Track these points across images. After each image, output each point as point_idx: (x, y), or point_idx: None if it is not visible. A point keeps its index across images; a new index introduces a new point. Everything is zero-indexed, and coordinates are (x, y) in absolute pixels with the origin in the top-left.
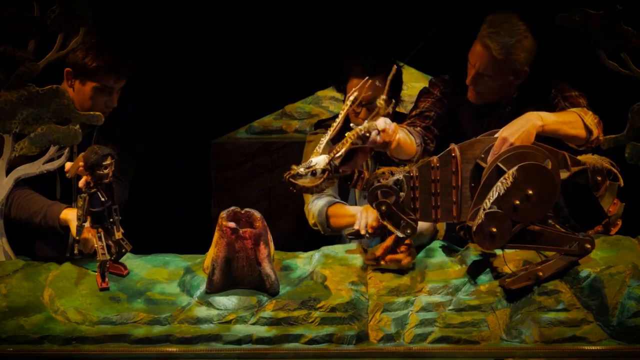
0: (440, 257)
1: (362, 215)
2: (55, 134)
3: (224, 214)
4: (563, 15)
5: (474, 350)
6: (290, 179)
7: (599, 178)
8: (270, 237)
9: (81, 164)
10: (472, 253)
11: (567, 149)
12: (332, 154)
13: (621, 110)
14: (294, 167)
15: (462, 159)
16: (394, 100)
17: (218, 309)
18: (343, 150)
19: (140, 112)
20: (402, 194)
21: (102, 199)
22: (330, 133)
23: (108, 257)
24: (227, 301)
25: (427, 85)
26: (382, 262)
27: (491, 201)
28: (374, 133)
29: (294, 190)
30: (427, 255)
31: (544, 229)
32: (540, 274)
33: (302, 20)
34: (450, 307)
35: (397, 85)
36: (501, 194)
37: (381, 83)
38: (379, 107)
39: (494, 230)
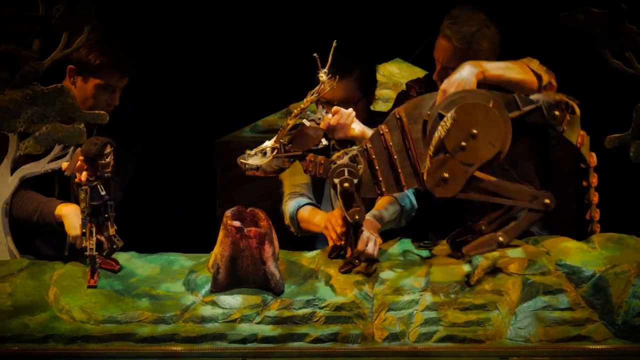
0: (444, 256)
1: (329, 229)
2: (60, 132)
3: (228, 213)
4: (567, 15)
5: (479, 349)
6: (241, 160)
7: (557, 112)
8: (275, 236)
9: (81, 158)
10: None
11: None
12: (280, 131)
13: (626, 109)
14: (247, 151)
15: (408, 120)
16: (337, 77)
17: (223, 308)
18: (292, 125)
19: (140, 112)
20: (359, 166)
21: (102, 193)
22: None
23: (96, 253)
24: (232, 300)
25: (404, 89)
26: (356, 262)
27: (434, 146)
28: (327, 116)
29: (247, 172)
30: (432, 254)
31: (500, 180)
32: (501, 239)
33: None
34: (455, 306)
35: (370, 83)
36: (442, 137)
37: (352, 84)
38: (322, 82)
39: (446, 175)
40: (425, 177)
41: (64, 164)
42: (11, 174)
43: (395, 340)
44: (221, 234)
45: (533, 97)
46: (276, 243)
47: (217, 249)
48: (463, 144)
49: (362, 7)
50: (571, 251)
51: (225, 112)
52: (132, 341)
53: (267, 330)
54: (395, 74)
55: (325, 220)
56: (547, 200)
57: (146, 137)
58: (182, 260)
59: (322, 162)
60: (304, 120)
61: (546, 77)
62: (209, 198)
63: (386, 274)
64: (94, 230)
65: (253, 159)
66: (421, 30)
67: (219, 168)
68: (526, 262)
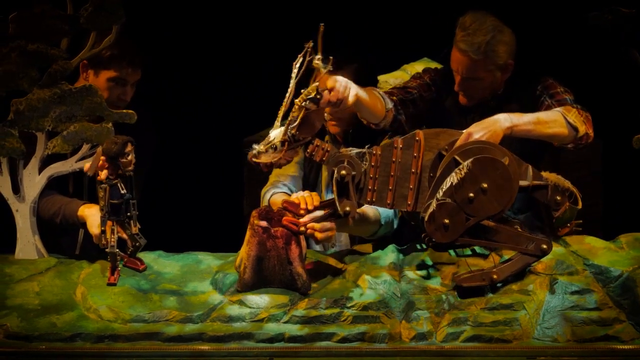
0: (472, 256)
1: (299, 200)
2: (88, 131)
3: (255, 212)
4: (595, 14)
5: (506, 349)
6: (253, 159)
7: (559, 198)
8: (302, 236)
9: (102, 157)
10: (504, 254)
11: (556, 149)
12: (287, 124)
13: None
14: (254, 146)
15: (425, 145)
16: (331, 58)
17: (250, 308)
18: (297, 116)
19: (154, 117)
20: (363, 163)
21: (122, 191)
22: (283, 106)
23: (117, 250)
24: (259, 299)
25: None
26: (302, 228)
27: (444, 191)
28: (325, 93)
29: (264, 169)
30: (459, 254)
31: (499, 226)
32: (495, 276)
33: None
34: (483, 306)
35: (366, 80)
36: (454, 184)
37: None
38: (317, 68)
39: (447, 221)
40: (426, 219)
41: (86, 165)
42: (39, 173)
43: (422, 340)
44: (248, 233)
45: (546, 175)
46: (303, 243)
47: (243, 248)
48: (471, 195)
49: (390, 7)
50: (599, 251)
51: (253, 111)
52: (160, 340)
53: (294, 329)
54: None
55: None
56: (544, 246)
57: (157, 142)
58: (209, 260)
59: (328, 149)
60: (305, 104)
61: (582, 129)
62: (236, 197)
63: (413, 274)
64: (115, 228)
65: (266, 156)
66: (449, 30)
67: (247, 167)
68: (554, 261)
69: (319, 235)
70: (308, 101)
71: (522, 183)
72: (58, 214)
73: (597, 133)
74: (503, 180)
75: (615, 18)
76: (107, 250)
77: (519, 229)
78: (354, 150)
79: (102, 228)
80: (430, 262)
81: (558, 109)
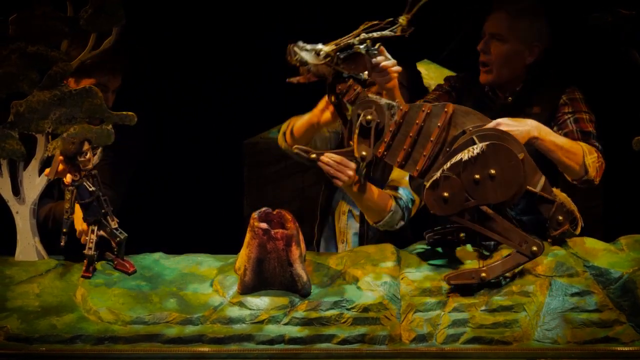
0: (472, 258)
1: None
2: (88, 133)
3: (255, 214)
4: (595, 15)
5: (506, 351)
6: (295, 47)
7: (561, 217)
8: (301, 237)
9: (60, 158)
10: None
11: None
12: (337, 46)
13: None
14: (300, 42)
15: (452, 120)
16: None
17: (250, 309)
18: (351, 48)
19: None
20: (392, 113)
21: (90, 189)
22: (350, 36)
23: (93, 253)
24: (259, 301)
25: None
26: (313, 155)
27: (451, 164)
28: (380, 57)
29: (292, 61)
30: (460, 256)
31: (496, 216)
32: (484, 274)
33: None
34: (483, 308)
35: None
36: (463, 161)
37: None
38: (400, 23)
39: (446, 195)
40: (427, 186)
41: (46, 170)
42: (39, 175)
43: (422, 342)
44: (248, 235)
45: (556, 192)
46: (303, 245)
47: (244, 250)
48: (477, 177)
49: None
50: (599, 253)
51: (254, 113)
52: (160, 342)
53: (294, 331)
54: (423, 75)
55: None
56: (535, 248)
57: (146, 143)
58: (210, 261)
59: (359, 92)
60: (362, 47)
61: (592, 174)
62: (236, 199)
63: (413, 275)
64: (95, 229)
65: (306, 54)
66: (449, 32)
67: (247, 169)
68: (554, 263)
69: (330, 163)
70: (367, 48)
71: (530, 189)
72: (49, 217)
73: (597, 134)
74: (512, 173)
75: (616, 19)
76: (84, 252)
77: (514, 226)
78: (384, 100)
79: (64, 230)
80: (430, 264)
81: (582, 144)
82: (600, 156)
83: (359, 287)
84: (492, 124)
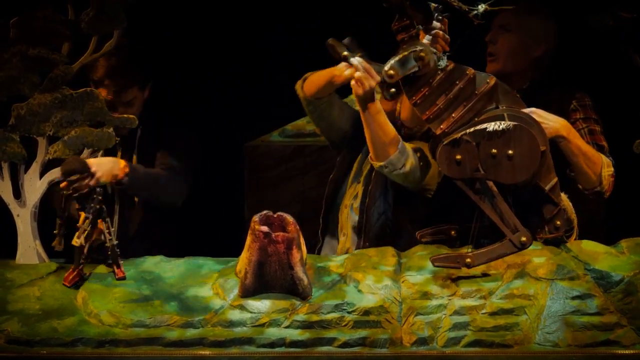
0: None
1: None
2: (89, 136)
3: (256, 217)
4: (596, 18)
5: (507, 354)
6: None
7: (559, 223)
8: (302, 240)
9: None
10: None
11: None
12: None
13: None
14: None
15: (491, 92)
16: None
17: (251, 312)
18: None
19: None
20: (440, 62)
21: (99, 198)
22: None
23: (78, 244)
24: (260, 304)
25: None
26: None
27: (473, 130)
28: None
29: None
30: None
31: (499, 195)
32: (469, 260)
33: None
34: (484, 311)
35: None
36: (487, 131)
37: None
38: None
39: (459, 157)
40: (444, 142)
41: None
42: (40, 178)
43: (423, 345)
44: (249, 239)
45: (563, 198)
46: (304, 248)
47: (244, 253)
48: (495, 151)
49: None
50: (600, 256)
51: (254, 116)
52: (161, 345)
53: (295, 334)
54: None
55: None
56: (524, 238)
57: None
58: (211, 264)
59: (415, 33)
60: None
61: (605, 187)
62: (237, 202)
63: (414, 278)
64: (88, 225)
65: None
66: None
67: (248, 172)
68: (555, 266)
69: (358, 66)
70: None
71: (540, 185)
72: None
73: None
74: (529, 161)
75: (616, 22)
76: (72, 242)
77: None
78: (435, 51)
79: (55, 232)
80: (431, 267)
81: (602, 156)
82: (613, 172)
83: (359, 290)
84: (527, 109)
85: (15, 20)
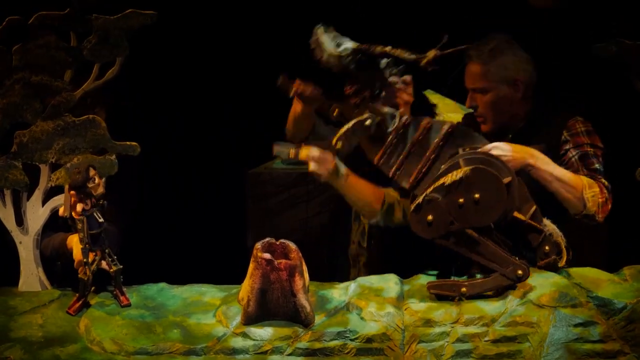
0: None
1: None
2: (92, 163)
3: (259, 245)
4: (600, 46)
5: None
6: (320, 29)
7: (547, 248)
8: (305, 268)
9: (72, 193)
10: None
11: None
12: (359, 47)
13: None
14: (330, 28)
15: (450, 138)
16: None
17: (254, 340)
18: (369, 51)
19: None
20: (394, 120)
21: (100, 220)
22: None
23: (86, 277)
24: (262, 332)
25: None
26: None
27: (435, 187)
28: (396, 79)
29: (312, 42)
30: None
31: (481, 239)
32: (464, 289)
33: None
34: (487, 338)
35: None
36: (446, 185)
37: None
38: (427, 56)
39: (430, 218)
40: (411, 209)
41: (61, 209)
42: (42, 206)
43: None
44: (251, 266)
45: (546, 222)
46: (306, 275)
47: (247, 281)
48: (461, 200)
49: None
50: (602, 283)
51: (257, 144)
52: None
53: None
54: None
55: None
56: (520, 272)
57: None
58: (213, 292)
59: (367, 97)
60: (382, 61)
61: (592, 210)
62: (239, 229)
63: (417, 306)
64: (97, 259)
65: (326, 39)
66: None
67: (250, 199)
68: (557, 293)
69: (308, 158)
70: (386, 65)
71: (518, 216)
72: (48, 247)
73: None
74: (496, 198)
75: (620, 50)
76: (79, 275)
77: (501, 249)
78: (388, 109)
79: (85, 260)
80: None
81: (584, 178)
82: (604, 191)
83: (362, 318)
84: (486, 147)
85: (18, 47)
